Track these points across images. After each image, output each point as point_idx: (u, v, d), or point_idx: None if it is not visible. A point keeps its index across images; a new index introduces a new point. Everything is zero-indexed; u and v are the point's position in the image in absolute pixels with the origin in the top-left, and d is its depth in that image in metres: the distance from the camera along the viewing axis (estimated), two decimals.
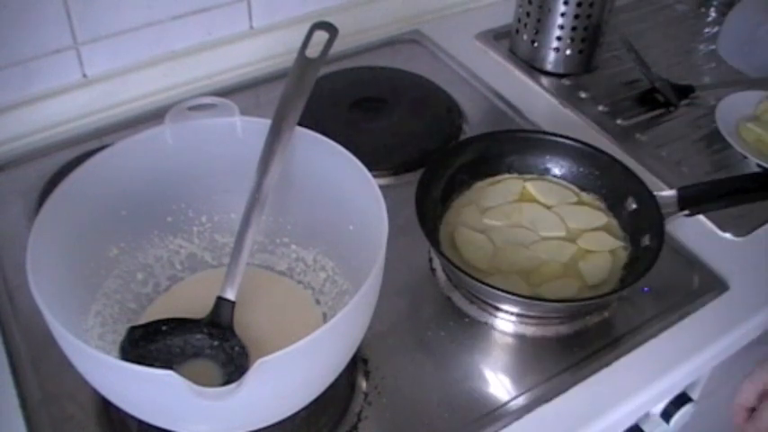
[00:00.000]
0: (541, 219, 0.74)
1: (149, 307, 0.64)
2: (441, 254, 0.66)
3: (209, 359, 0.58)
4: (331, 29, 0.62)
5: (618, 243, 0.72)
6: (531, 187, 0.77)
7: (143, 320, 0.63)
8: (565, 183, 0.78)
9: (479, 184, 0.77)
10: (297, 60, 0.61)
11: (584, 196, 0.77)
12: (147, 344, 0.57)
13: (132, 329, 0.58)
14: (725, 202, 0.72)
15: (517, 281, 0.68)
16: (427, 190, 0.71)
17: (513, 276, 0.69)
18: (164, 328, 0.58)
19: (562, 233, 0.73)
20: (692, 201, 0.71)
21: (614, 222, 0.74)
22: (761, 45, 0.99)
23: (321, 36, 0.61)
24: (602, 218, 0.74)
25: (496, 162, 0.78)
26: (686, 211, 0.70)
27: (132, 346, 0.57)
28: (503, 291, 0.63)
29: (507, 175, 0.78)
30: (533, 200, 0.76)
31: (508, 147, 0.78)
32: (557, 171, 0.78)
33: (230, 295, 0.59)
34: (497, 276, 0.68)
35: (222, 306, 0.59)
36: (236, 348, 0.58)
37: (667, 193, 0.71)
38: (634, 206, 0.73)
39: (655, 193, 0.71)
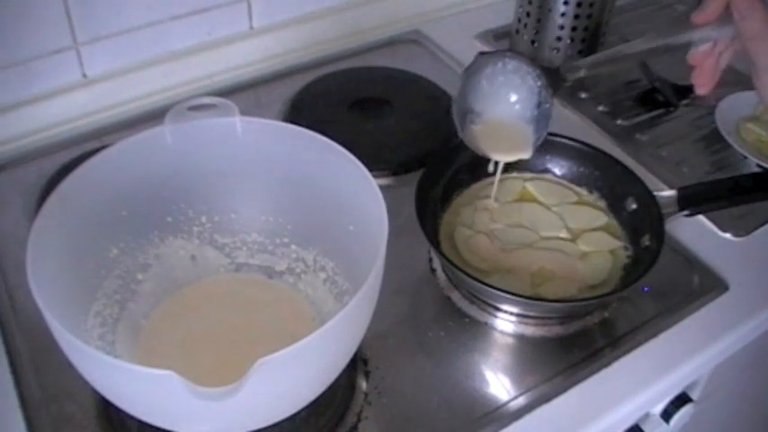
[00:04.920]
0: (541, 219, 0.74)
1: (152, 311, 0.64)
2: (441, 254, 0.66)
3: None
4: None
5: (618, 243, 0.72)
6: (531, 187, 0.77)
7: (144, 322, 0.63)
8: (565, 183, 0.78)
9: (479, 184, 0.77)
10: None
11: (584, 196, 0.77)
12: None
13: None
14: (725, 202, 0.72)
15: (517, 281, 0.68)
16: (427, 190, 0.71)
17: (512, 276, 0.69)
18: None
19: (562, 233, 0.73)
20: (692, 201, 0.71)
21: (614, 222, 0.74)
22: None
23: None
24: (602, 218, 0.74)
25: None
26: (686, 211, 0.70)
27: None
28: (503, 291, 0.63)
29: (507, 175, 0.78)
30: (533, 200, 0.76)
31: None
32: (557, 171, 0.78)
33: None
34: (497, 276, 0.68)
35: None
36: None
37: (667, 193, 0.71)
38: (634, 206, 0.73)
39: (655, 193, 0.71)
